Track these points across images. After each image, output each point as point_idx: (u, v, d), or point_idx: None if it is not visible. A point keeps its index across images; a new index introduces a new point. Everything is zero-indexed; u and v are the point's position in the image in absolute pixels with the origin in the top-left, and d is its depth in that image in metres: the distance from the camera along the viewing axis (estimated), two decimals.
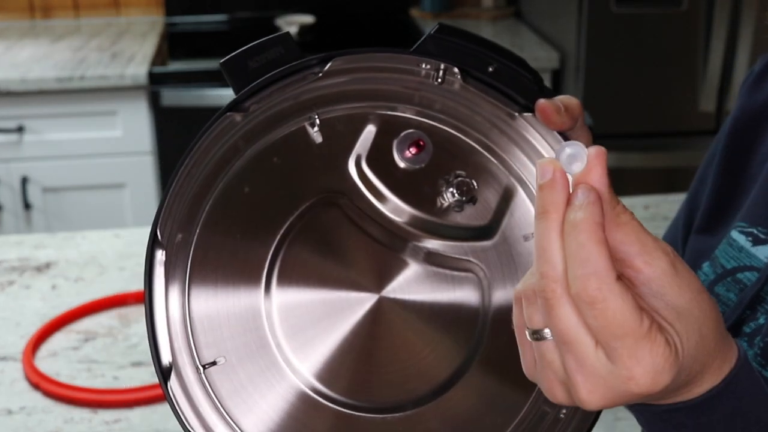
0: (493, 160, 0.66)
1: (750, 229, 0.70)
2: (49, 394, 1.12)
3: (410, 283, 0.64)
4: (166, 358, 0.61)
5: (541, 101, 0.63)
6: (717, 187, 0.77)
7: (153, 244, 0.60)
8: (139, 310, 1.31)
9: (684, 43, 2.43)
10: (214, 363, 0.62)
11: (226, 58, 0.60)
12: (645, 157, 2.46)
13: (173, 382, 0.61)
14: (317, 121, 0.64)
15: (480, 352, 0.63)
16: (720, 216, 0.76)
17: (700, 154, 2.92)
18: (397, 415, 0.63)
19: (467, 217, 0.65)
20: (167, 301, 0.61)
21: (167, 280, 0.61)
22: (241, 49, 0.60)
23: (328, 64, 0.62)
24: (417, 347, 0.63)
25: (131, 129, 2.47)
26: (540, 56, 2.57)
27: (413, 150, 0.65)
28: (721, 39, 2.39)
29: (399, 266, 0.64)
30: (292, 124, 0.64)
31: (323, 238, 0.63)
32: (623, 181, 2.33)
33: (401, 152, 0.65)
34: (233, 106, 0.60)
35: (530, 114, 0.64)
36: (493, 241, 0.65)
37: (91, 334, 1.26)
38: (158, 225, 0.60)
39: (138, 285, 1.37)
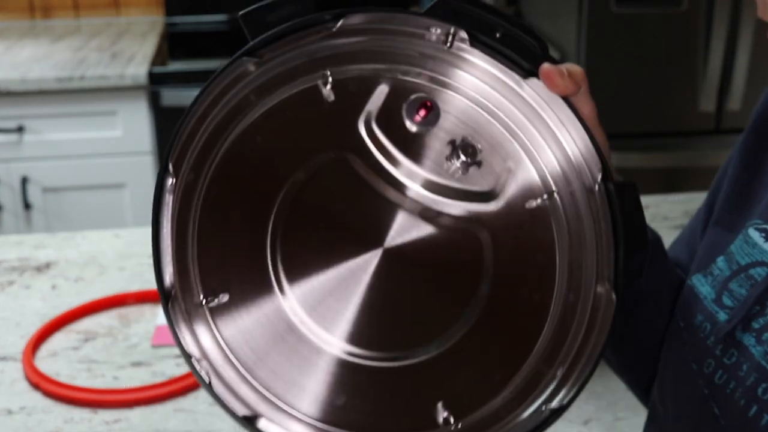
0: (498, 126, 0.68)
1: (765, 226, 0.71)
2: (49, 394, 1.12)
3: (415, 240, 0.66)
4: (168, 279, 0.62)
5: (545, 65, 0.66)
6: (735, 181, 0.77)
7: (164, 173, 0.62)
8: (139, 310, 1.31)
9: (684, 43, 2.43)
10: (216, 299, 0.63)
11: (245, 10, 0.63)
12: (645, 157, 2.46)
13: (174, 305, 0.62)
14: (330, 80, 0.66)
15: (482, 304, 0.66)
16: (737, 211, 0.76)
17: (700, 154, 2.91)
18: (406, 363, 0.64)
19: (472, 180, 0.67)
20: (173, 230, 0.62)
21: (174, 210, 0.62)
22: (259, 4, 0.63)
23: (341, 21, 0.65)
24: (425, 300, 0.66)
25: (131, 129, 2.47)
26: None
27: (422, 113, 0.67)
28: (721, 39, 2.39)
29: (405, 223, 0.66)
30: (305, 81, 0.66)
31: (330, 193, 0.66)
32: None
33: (410, 115, 0.67)
34: (248, 51, 0.63)
35: (535, 78, 0.67)
36: (496, 204, 0.67)
37: (91, 334, 1.26)
38: (170, 157, 0.62)
39: (138, 285, 1.37)
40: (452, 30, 0.66)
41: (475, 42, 0.66)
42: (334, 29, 0.65)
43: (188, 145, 0.63)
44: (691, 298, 0.75)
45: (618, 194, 0.66)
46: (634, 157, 2.45)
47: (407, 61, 0.67)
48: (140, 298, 1.33)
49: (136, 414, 1.09)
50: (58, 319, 1.27)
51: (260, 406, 0.63)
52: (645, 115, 2.49)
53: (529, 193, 0.67)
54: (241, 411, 0.62)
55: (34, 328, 1.26)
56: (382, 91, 0.67)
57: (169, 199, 0.62)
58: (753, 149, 0.77)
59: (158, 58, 2.60)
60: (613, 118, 2.47)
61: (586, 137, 0.68)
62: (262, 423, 0.62)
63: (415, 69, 0.68)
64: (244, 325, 0.64)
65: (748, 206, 0.75)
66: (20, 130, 2.43)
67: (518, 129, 0.68)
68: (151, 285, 1.37)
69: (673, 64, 2.45)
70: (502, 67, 0.67)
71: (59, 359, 1.20)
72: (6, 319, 1.30)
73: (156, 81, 2.44)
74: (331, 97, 0.66)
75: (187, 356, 0.62)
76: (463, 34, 0.66)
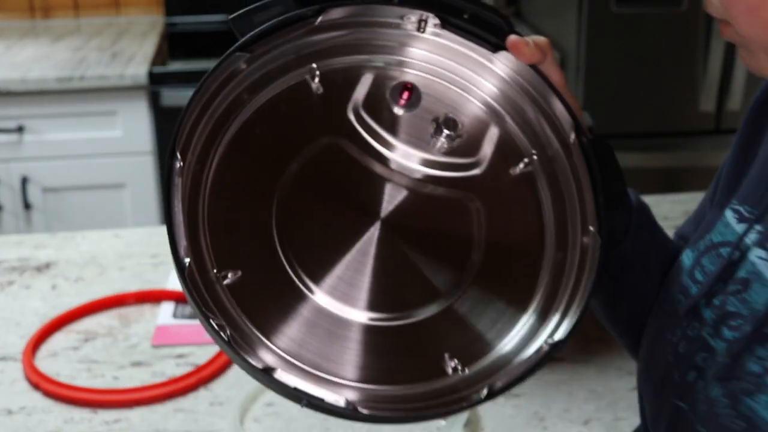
0: (474, 100, 0.75)
1: (739, 207, 0.75)
2: (49, 394, 1.12)
3: (411, 211, 0.72)
4: (183, 252, 0.65)
5: (512, 37, 0.73)
6: (730, 165, 0.80)
7: (172, 158, 0.66)
8: (139, 310, 1.31)
9: (684, 43, 2.43)
10: (230, 274, 0.67)
11: (235, 14, 0.70)
12: (645, 157, 2.46)
13: (190, 276, 0.65)
14: (317, 74, 0.72)
15: (478, 264, 0.71)
16: (728, 193, 0.79)
17: (700, 154, 2.91)
18: (413, 320, 0.69)
19: (458, 152, 0.73)
20: (184, 209, 0.66)
21: (184, 191, 0.67)
22: (247, 8, 0.70)
23: (321, 16, 0.71)
24: (421, 262, 0.71)
25: (131, 129, 2.47)
26: None
27: (405, 96, 0.74)
28: (721, 39, 2.38)
29: (400, 197, 0.72)
30: (295, 76, 0.72)
31: (328, 175, 0.72)
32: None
33: (394, 99, 0.74)
34: (240, 47, 0.69)
35: (504, 51, 0.74)
36: (482, 171, 0.74)
37: (91, 334, 1.26)
38: (176, 145, 0.66)
39: (138, 285, 1.37)
40: (424, 16, 0.73)
41: (446, 24, 0.73)
42: (316, 23, 0.71)
43: (192, 135, 0.68)
44: (675, 270, 0.79)
45: (592, 147, 0.72)
46: (634, 157, 2.45)
47: (387, 50, 0.74)
48: (140, 298, 1.33)
49: (136, 414, 1.09)
50: (58, 319, 1.27)
51: (277, 365, 0.66)
52: (645, 115, 2.49)
53: (511, 158, 0.74)
54: (259, 364, 0.65)
55: (34, 328, 1.26)
56: (366, 79, 0.73)
57: (178, 182, 0.66)
58: (747, 135, 0.80)
59: (158, 58, 2.60)
60: (613, 118, 2.47)
61: (557, 100, 0.74)
62: (279, 374, 0.65)
63: (395, 57, 0.74)
64: (259, 299, 0.68)
65: (736, 189, 0.78)
66: (20, 130, 2.43)
67: (494, 101, 0.75)
68: (151, 285, 1.37)
69: (673, 64, 2.45)
70: (473, 45, 0.74)
71: (59, 359, 1.20)
72: (6, 319, 1.30)
73: (156, 81, 2.45)
74: (320, 90, 0.72)
75: (205, 317, 0.64)
76: (435, 19, 0.73)
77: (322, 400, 0.64)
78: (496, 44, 0.74)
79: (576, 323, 0.69)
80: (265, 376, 0.65)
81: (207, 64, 2.64)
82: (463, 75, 0.75)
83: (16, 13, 2.95)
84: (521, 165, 0.74)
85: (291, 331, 0.68)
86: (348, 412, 0.64)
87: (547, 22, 2.74)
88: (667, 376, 0.75)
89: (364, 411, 0.64)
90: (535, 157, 0.74)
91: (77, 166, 2.49)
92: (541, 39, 0.75)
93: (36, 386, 1.14)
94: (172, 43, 2.84)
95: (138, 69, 2.44)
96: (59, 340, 1.25)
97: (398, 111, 0.74)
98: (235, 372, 1.16)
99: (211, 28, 2.98)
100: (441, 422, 0.98)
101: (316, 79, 0.72)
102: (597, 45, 2.41)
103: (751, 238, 0.71)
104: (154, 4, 3.00)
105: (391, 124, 0.73)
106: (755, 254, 0.70)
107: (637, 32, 2.41)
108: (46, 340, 1.24)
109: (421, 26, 0.74)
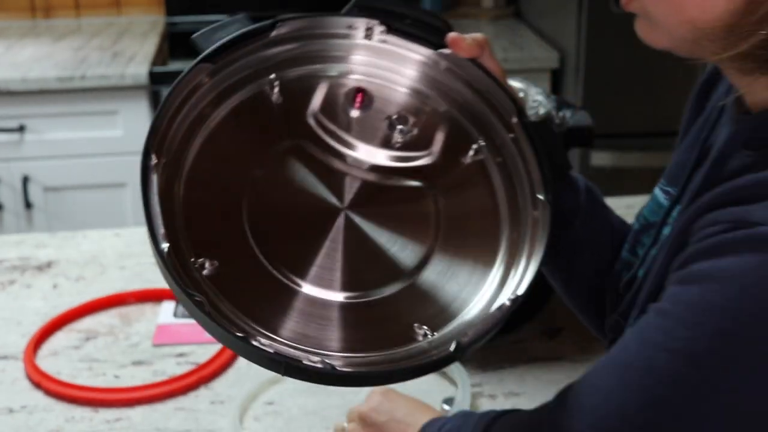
0: (423, 98, 0.83)
1: (667, 188, 0.81)
2: (50, 393, 1.12)
3: (371, 199, 0.78)
4: (161, 240, 0.69)
5: (451, 34, 0.81)
6: (676, 146, 0.88)
7: (146, 157, 0.73)
8: (140, 309, 1.32)
9: None
10: (207, 263, 0.71)
11: (198, 32, 0.77)
12: (645, 157, 2.47)
13: (171, 261, 0.69)
14: (276, 84, 0.79)
15: (439, 242, 0.78)
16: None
17: None
18: (375, 297, 0.75)
19: (412, 146, 0.81)
20: (160, 202, 0.71)
21: (160, 187, 0.72)
22: (207, 27, 0.77)
23: (276, 29, 0.78)
24: (386, 244, 0.77)
25: (132, 128, 2.47)
26: (540, 56, 2.57)
27: (359, 99, 0.81)
28: None
29: (359, 188, 0.78)
30: (255, 87, 0.79)
31: (294, 173, 0.77)
32: (623, 181, 2.33)
33: (349, 102, 0.81)
34: (204, 59, 0.75)
35: (446, 50, 0.81)
36: (434, 161, 0.81)
37: (92, 333, 1.26)
38: (150, 144, 0.72)
39: (139, 284, 1.38)
40: (370, 24, 0.80)
41: (391, 30, 0.81)
42: (272, 36, 0.78)
43: (164, 139, 0.74)
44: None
45: (533, 126, 0.80)
46: (634, 157, 2.45)
47: (339, 60, 0.82)
48: (141, 297, 1.34)
49: (137, 413, 1.09)
50: (59, 318, 1.28)
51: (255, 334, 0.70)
52: (645, 115, 2.50)
53: (461, 147, 0.81)
54: (238, 333, 0.68)
55: (35, 328, 1.26)
56: (322, 87, 0.81)
57: (153, 178, 0.71)
58: (689, 117, 0.86)
59: (159, 58, 2.61)
60: (612, 118, 2.47)
61: (498, 88, 0.82)
62: (257, 341, 0.68)
63: (347, 65, 0.82)
64: (238, 288, 0.72)
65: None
66: (21, 129, 2.44)
67: (440, 96, 0.83)
68: (152, 284, 1.38)
69: (673, 64, 2.44)
70: (418, 46, 0.82)
71: (60, 358, 1.20)
72: (7, 319, 1.30)
73: (157, 81, 2.45)
74: (280, 99, 0.79)
75: (185, 292, 0.67)
76: (381, 26, 0.81)
77: (300, 361, 0.67)
78: (437, 44, 0.81)
79: (533, 280, 0.74)
80: (244, 344, 0.67)
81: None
82: (410, 75, 0.83)
83: (17, 12, 2.96)
84: (471, 152, 0.81)
85: (271, 315, 0.71)
86: (326, 372, 0.67)
87: (547, 22, 2.75)
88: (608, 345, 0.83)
89: (343, 370, 0.68)
90: (482, 143, 0.82)
91: (78, 166, 2.49)
92: (478, 35, 0.82)
93: (37, 385, 1.14)
94: (173, 43, 2.84)
95: (139, 69, 2.44)
96: (60, 339, 1.25)
97: (354, 113, 0.81)
98: (236, 371, 1.16)
99: None
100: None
101: (276, 90, 0.79)
102: (597, 45, 2.41)
103: (673, 216, 0.77)
104: (154, 4, 3.00)
105: (348, 125, 0.80)
106: (667, 231, 0.77)
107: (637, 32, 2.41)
108: (48, 339, 1.25)
109: (368, 34, 0.81)
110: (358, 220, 0.77)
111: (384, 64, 0.82)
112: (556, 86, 2.57)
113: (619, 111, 2.47)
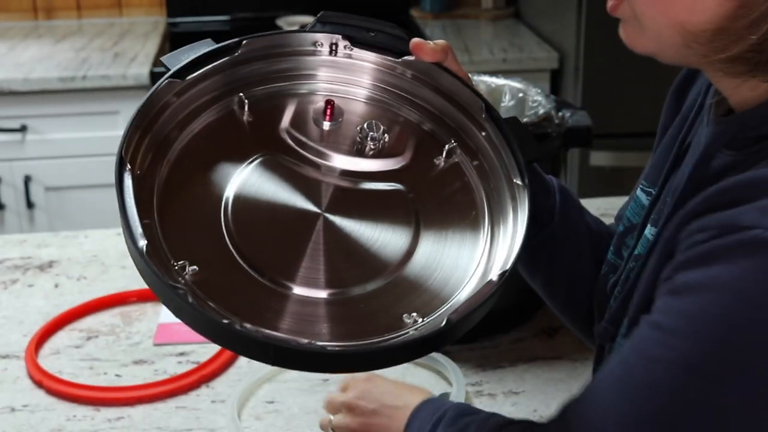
0: (391, 106, 0.85)
1: (649, 189, 0.82)
2: (52, 392, 1.13)
3: (348, 203, 0.80)
4: (140, 239, 0.69)
5: (414, 39, 0.82)
6: (654, 146, 0.88)
7: (120, 165, 0.72)
8: (142, 309, 1.32)
9: None
10: (187, 267, 0.72)
11: (166, 55, 0.81)
12: (645, 157, 2.45)
13: (151, 258, 0.69)
14: (246, 103, 0.81)
15: (421, 237, 0.79)
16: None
17: None
18: (362, 293, 0.76)
19: (386, 152, 0.83)
20: (136, 205, 0.71)
21: (135, 190, 0.72)
22: (176, 50, 0.81)
23: (242, 47, 0.80)
24: (368, 243, 0.78)
25: None
26: (539, 56, 2.58)
27: (328, 112, 0.83)
28: None
29: (336, 193, 0.80)
30: (225, 106, 0.81)
31: (269, 184, 0.79)
32: (623, 181, 2.33)
33: (320, 116, 0.83)
34: (173, 75, 0.78)
35: (408, 56, 0.83)
36: (407, 164, 0.83)
37: (94, 333, 1.27)
38: (123, 152, 0.73)
39: (140, 284, 1.37)
40: (335, 39, 0.83)
41: (355, 43, 0.84)
42: (239, 54, 0.80)
43: (137, 152, 0.75)
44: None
45: (502, 119, 0.82)
46: (634, 157, 2.45)
47: (306, 76, 0.84)
48: (142, 297, 1.34)
49: (138, 411, 1.10)
50: (60, 317, 1.28)
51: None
52: (644, 115, 2.49)
53: (433, 150, 0.84)
54: (224, 320, 0.68)
55: (37, 327, 1.26)
56: (291, 104, 0.83)
57: (128, 183, 0.72)
58: (665, 118, 0.86)
59: (160, 59, 2.61)
60: (612, 118, 2.48)
61: (464, 88, 0.84)
62: (243, 326, 0.68)
63: (315, 81, 0.85)
64: (222, 293, 0.72)
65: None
66: (23, 129, 2.44)
67: (407, 103, 0.85)
68: None
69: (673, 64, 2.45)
70: (382, 57, 0.84)
71: (62, 357, 1.21)
72: (9, 318, 1.31)
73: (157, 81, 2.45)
74: (250, 118, 0.81)
75: (171, 287, 0.67)
76: (345, 41, 0.83)
77: (289, 342, 0.68)
78: (401, 52, 0.84)
79: (517, 257, 0.75)
80: (231, 330, 0.67)
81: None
82: (377, 86, 0.86)
83: (19, 13, 2.96)
84: (443, 155, 0.84)
85: (258, 315, 0.71)
86: (316, 351, 0.68)
87: (547, 23, 2.75)
88: (600, 347, 0.83)
89: (334, 349, 0.69)
90: (454, 143, 0.84)
91: (80, 166, 2.50)
92: (440, 41, 0.83)
93: (39, 384, 1.15)
94: (174, 44, 2.84)
95: (140, 69, 2.44)
96: (62, 338, 1.26)
97: (325, 126, 0.83)
98: (237, 370, 1.17)
99: (212, 28, 2.99)
100: None
101: (246, 108, 0.81)
102: (596, 45, 2.42)
103: (653, 216, 0.77)
104: (155, 5, 3.01)
105: (321, 137, 0.83)
106: (649, 232, 0.77)
107: None
108: (49, 338, 1.25)
109: (333, 49, 0.84)
110: (338, 221, 0.78)
111: (351, 77, 0.85)
112: (555, 87, 2.58)
113: (619, 111, 2.47)
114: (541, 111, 1.25)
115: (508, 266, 0.74)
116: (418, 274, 0.77)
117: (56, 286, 1.39)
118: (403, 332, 0.73)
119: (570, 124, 1.26)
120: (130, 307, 1.33)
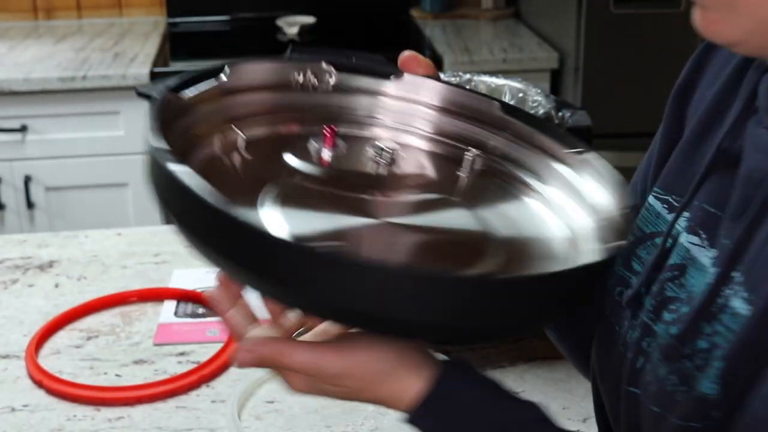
0: (392, 126, 0.84)
1: (665, 197, 0.77)
2: (52, 392, 1.13)
3: (400, 208, 0.78)
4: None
5: (405, 52, 0.81)
6: (658, 151, 0.83)
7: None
8: (141, 309, 1.32)
9: (683, 43, 2.43)
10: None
11: (142, 86, 0.80)
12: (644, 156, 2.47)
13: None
14: (244, 143, 0.79)
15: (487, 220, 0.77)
16: (655, 179, 0.81)
17: None
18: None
19: (401, 165, 0.83)
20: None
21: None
22: (154, 83, 0.80)
23: (228, 72, 0.79)
24: (449, 235, 0.76)
25: (133, 129, 2.48)
26: (539, 56, 2.58)
27: (329, 142, 0.82)
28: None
29: (381, 204, 0.78)
30: (221, 144, 0.78)
31: (295, 201, 0.76)
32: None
33: (321, 145, 0.82)
34: (170, 89, 0.78)
35: (393, 76, 0.83)
36: (431, 180, 0.82)
37: (94, 333, 1.27)
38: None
39: (140, 284, 1.38)
40: (318, 67, 0.83)
41: (341, 70, 0.83)
42: (225, 80, 0.79)
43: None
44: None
45: (516, 107, 0.82)
46: (634, 157, 2.44)
47: (300, 108, 0.82)
48: (142, 297, 1.34)
49: (139, 411, 1.10)
50: (60, 317, 1.28)
51: None
52: (644, 115, 2.49)
53: (452, 162, 0.83)
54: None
55: (37, 326, 1.27)
56: (291, 131, 0.82)
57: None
58: (670, 121, 0.82)
59: (160, 59, 2.61)
60: (612, 118, 2.48)
61: (465, 92, 0.83)
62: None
63: (309, 113, 0.83)
64: None
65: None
66: (23, 129, 2.44)
67: (409, 122, 0.84)
68: (154, 284, 1.38)
69: (673, 64, 2.45)
70: (371, 80, 0.83)
71: (62, 357, 1.21)
72: (9, 318, 1.31)
73: (158, 81, 2.45)
74: (249, 157, 0.79)
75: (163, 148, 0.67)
76: (330, 67, 0.83)
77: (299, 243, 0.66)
78: (387, 73, 0.83)
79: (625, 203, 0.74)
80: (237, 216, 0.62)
81: (208, 65, 2.65)
82: (371, 109, 0.84)
83: (19, 13, 2.96)
84: (466, 165, 0.82)
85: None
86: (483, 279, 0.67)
87: (547, 23, 2.75)
88: (620, 366, 0.75)
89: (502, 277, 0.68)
90: (475, 150, 0.82)
91: (80, 166, 2.50)
92: (424, 58, 0.82)
93: (39, 384, 1.15)
94: (174, 44, 2.85)
95: (140, 69, 2.45)
96: (62, 338, 1.26)
97: (328, 155, 0.82)
98: (237, 370, 1.17)
99: (212, 28, 2.99)
100: None
101: (243, 148, 0.79)
102: (596, 45, 2.42)
103: (682, 224, 0.73)
104: (156, 5, 3.01)
105: (330, 166, 0.81)
106: (687, 240, 0.71)
107: (636, 32, 2.42)
108: (49, 338, 1.25)
109: (320, 78, 0.83)
110: (404, 222, 0.76)
111: (344, 102, 0.84)
112: (555, 87, 2.58)
113: (619, 111, 2.47)
114: (541, 111, 1.25)
115: (627, 205, 0.72)
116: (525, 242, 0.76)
117: (56, 286, 1.39)
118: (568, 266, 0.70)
119: (570, 124, 1.26)
120: (130, 307, 1.33)
